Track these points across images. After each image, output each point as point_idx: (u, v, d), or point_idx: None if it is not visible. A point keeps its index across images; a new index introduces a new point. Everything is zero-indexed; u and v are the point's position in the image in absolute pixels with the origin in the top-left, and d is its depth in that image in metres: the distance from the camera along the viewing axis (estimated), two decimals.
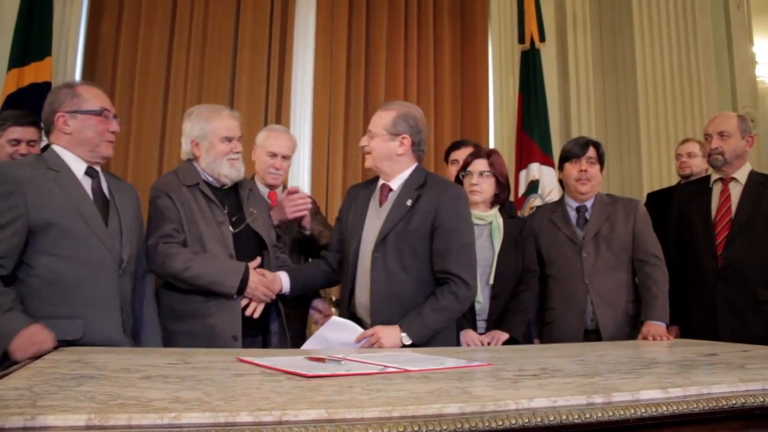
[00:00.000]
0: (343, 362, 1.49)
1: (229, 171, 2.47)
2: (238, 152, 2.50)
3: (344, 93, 4.50)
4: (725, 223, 2.85)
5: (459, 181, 2.85)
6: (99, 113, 2.15)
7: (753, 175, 2.91)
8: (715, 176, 2.96)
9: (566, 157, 2.89)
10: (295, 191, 2.82)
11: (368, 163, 2.41)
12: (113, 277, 2.10)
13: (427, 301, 2.24)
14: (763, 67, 5.05)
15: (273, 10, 4.40)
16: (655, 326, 2.53)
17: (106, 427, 0.88)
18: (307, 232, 2.90)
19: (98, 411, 0.91)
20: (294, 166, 4.31)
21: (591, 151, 2.83)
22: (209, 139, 2.46)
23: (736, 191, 2.89)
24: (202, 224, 2.39)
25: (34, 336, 1.87)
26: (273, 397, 1.07)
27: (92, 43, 4.10)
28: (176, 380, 1.25)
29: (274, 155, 2.95)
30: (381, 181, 2.42)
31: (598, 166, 2.83)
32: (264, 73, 4.33)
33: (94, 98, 2.17)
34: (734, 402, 1.19)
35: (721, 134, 2.89)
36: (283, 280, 2.44)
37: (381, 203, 2.39)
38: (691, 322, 2.83)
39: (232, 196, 2.53)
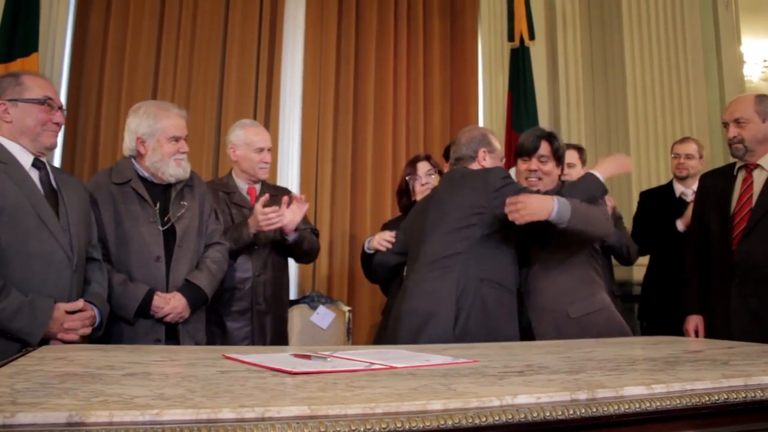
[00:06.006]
0: (329, 359, 1.49)
1: (176, 170, 2.48)
2: (184, 152, 2.51)
3: (333, 91, 4.49)
4: (744, 214, 2.60)
5: (407, 186, 3.13)
6: (41, 102, 2.11)
7: None
8: (739, 164, 2.72)
9: (518, 153, 2.72)
10: (271, 209, 2.77)
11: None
12: (66, 272, 2.07)
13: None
14: (750, 67, 5.09)
15: (262, 8, 4.38)
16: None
17: (87, 424, 0.87)
18: (290, 240, 2.89)
19: (79, 408, 0.90)
20: (283, 163, 4.31)
21: (543, 148, 2.66)
22: (156, 137, 2.46)
23: (759, 179, 2.62)
24: (128, 224, 2.40)
25: None
26: (257, 393, 1.07)
27: (80, 39, 4.07)
28: (160, 377, 1.25)
29: (261, 150, 2.95)
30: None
31: (552, 163, 2.66)
32: (253, 71, 4.32)
33: (37, 87, 2.13)
34: (717, 398, 1.20)
35: (737, 121, 2.64)
36: None
37: None
38: (708, 321, 2.72)
39: (168, 193, 2.52)
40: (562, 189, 2.56)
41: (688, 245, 2.90)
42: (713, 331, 2.65)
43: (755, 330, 2.40)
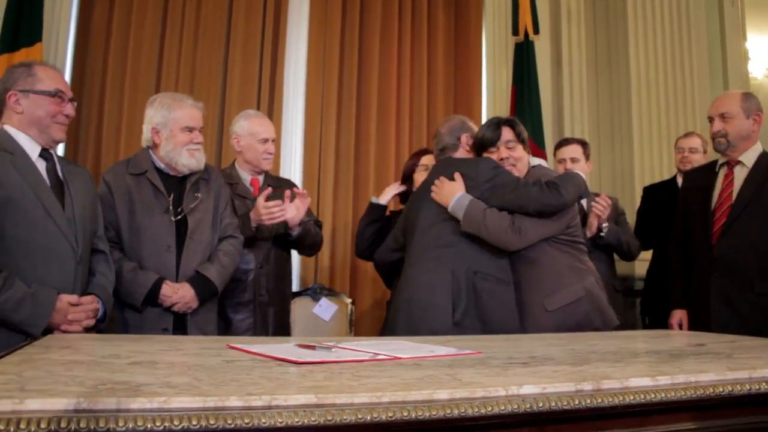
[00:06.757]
0: (333, 349, 1.49)
1: (188, 161, 2.51)
2: (198, 142, 2.53)
3: (337, 84, 4.47)
4: (724, 210, 2.66)
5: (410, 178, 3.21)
6: (53, 94, 2.11)
7: (763, 157, 2.67)
8: (721, 160, 2.78)
9: (482, 146, 2.61)
10: (273, 202, 2.79)
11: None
12: (70, 263, 2.06)
13: None
14: (755, 63, 5.07)
15: (266, 0, 4.37)
16: None
17: (95, 410, 0.88)
18: (294, 234, 2.89)
19: (87, 395, 0.91)
20: (286, 155, 4.31)
21: (507, 134, 2.56)
22: (170, 127, 2.50)
23: (740, 176, 2.68)
24: (141, 214, 2.43)
25: None
26: (263, 382, 1.07)
27: (84, 29, 4.06)
28: (167, 366, 1.25)
29: (266, 140, 2.96)
30: None
31: (519, 146, 2.57)
32: (257, 63, 4.30)
33: (49, 79, 2.13)
34: (721, 390, 1.20)
35: (722, 116, 2.70)
36: None
37: None
38: (690, 315, 2.77)
39: (183, 184, 2.54)
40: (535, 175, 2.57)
41: (673, 241, 2.93)
42: (694, 324, 2.69)
43: (733, 323, 2.47)
